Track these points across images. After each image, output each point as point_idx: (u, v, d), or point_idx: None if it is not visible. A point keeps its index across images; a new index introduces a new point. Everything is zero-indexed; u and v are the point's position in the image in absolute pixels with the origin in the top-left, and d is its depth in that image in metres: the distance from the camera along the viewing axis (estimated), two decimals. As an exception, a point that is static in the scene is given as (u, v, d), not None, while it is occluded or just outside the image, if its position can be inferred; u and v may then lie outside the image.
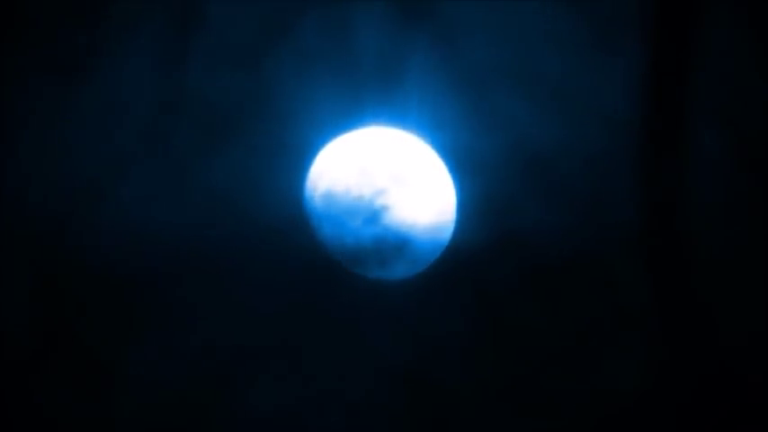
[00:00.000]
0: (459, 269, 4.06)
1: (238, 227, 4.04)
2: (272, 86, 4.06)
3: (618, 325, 4.08)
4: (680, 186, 4.09)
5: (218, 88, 4.08)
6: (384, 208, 3.92)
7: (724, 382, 4.03)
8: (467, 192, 4.04)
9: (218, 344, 4.05)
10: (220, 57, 4.08)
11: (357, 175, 3.95)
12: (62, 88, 4.08)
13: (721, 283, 4.06)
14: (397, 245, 3.95)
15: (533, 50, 4.07)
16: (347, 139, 4.01)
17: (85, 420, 4.04)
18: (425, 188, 3.97)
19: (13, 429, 3.99)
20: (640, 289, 4.08)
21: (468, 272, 4.06)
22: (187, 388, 4.05)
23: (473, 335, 4.07)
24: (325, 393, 4.06)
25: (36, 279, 4.06)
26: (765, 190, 4.06)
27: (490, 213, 4.06)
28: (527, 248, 4.07)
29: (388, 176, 3.94)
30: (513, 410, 4.08)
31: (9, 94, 4.07)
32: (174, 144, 4.08)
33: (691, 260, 4.07)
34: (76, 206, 4.08)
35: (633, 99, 4.08)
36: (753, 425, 4.04)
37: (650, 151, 4.09)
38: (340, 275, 4.02)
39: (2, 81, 4.07)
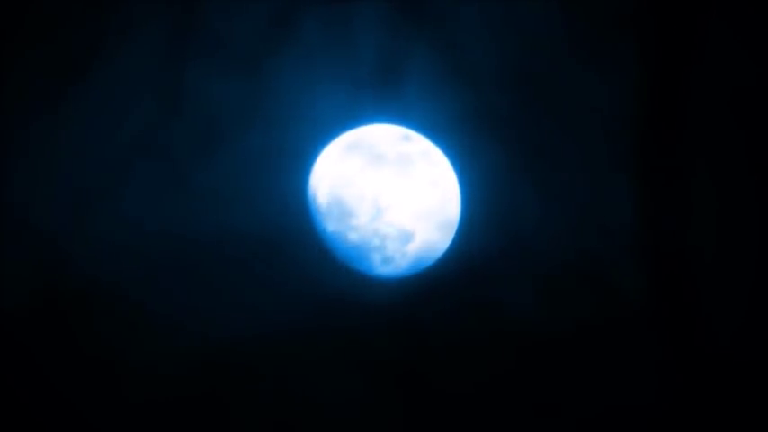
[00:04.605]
0: (460, 268, 4.06)
1: (241, 226, 4.04)
2: (273, 86, 4.07)
3: (618, 326, 4.08)
4: (679, 187, 4.10)
5: (219, 89, 4.08)
6: (386, 206, 3.92)
7: (723, 382, 4.04)
8: (469, 191, 4.04)
9: (219, 343, 4.04)
10: (221, 57, 4.08)
11: (359, 173, 3.95)
12: (62, 89, 4.07)
13: (721, 283, 4.06)
14: (399, 243, 3.94)
15: (533, 50, 4.08)
16: (349, 137, 4.01)
17: (86, 420, 4.02)
18: (428, 186, 3.97)
19: (14, 429, 3.97)
20: (640, 290, 4.08)
21: (470, 270, 4.06)
22: (187, 387, 4.03)
23: (473, 335, 4.07)
24: (325, 392, 4.05)
25: (35, 279, 4.04)
26: (765, 190, 4.07)
27: (491, 212, 4.07)
28: (528, 248, 4.07)
29: (391, 175, 3.94)
30: (512, 411, 4.07)
31: (8, 94, 4.06)
32: (174, 145, 4.07)
33: (691, 261, 4.08)
34: (76, 207, 4.07)
35: (633, 99, 4.09)
36: (752, 424, 4.04)
37: (650, 152, 4.10)
38: (342, 273, 4.02)
39: (1, 82, 4.06)
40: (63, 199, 4.07)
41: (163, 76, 4.08)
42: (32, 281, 4.03)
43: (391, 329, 4.06)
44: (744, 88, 4.08)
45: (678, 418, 4.05)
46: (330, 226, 3.95)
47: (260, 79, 4.06)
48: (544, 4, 4.08)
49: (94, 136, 4.08)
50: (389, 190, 3.93)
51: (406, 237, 3.95)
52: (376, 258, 3.96)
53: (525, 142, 4.08)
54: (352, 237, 3.94)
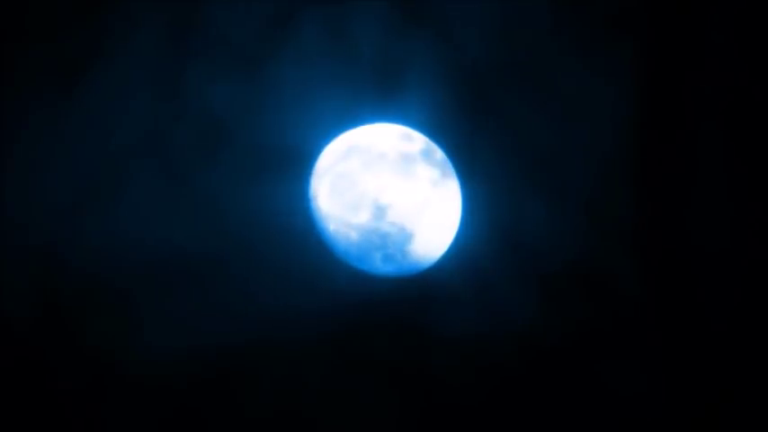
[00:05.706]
0: (460, 267, 4.06)
1: (242, 227, 4.04)
2: (273, 86, 4.07)
3: (618, 326, 4.08)
4: (679, 187, 4.10)
5: (219, 89, 4.08)
6: (387, 206, 3.92)
7: (723, 382, 4.04)
8: (469, 190, 4.04)
9: (220, 345, 4.04)
10: (221, 57, 4.09)
11: (360, 173, 3.95)
12: (60, 91, 4.07)
13: (721, 283, 4.07)
14: (400, 242, 3.95)
15: (533, 50, 4.09)
16: (349, 137, 4.01)
17: (86, 421, 4.01)
18: (428, 186, 3.98)
19: (13, 429, 3.97)
20: (640, 290, 4.08)
21: (470, 270, 4.07)
22: (187, 390, 4.03)
23: (473, 334, 4.07)
24: (326, 392, 4.05)
25: (35, 282, 4.03)
26: (765, 190, 4.08)
27: (491, 211, 4.07)
28: (527, 247, 4.08)
29: (391, 174, 3.95)
30: (512, 410, 4.07)
31: (8, 94, 4.06)
32: (174, 145, 4.07)
33: (691, 261, 4.08)
34: (75, 209, 4.06)
35: (634, 99, 4.10)
36: (751, 423, 4.04)
37: (650, 151, 4.11)
38: (343, 273, 4.02)
39: (1, 81, 4.06)
40: (61, 201, 4.07)
41: (163, 77, 4.08)
42: (31, 286, 4.03)
43: (392, 329, 4.06)
44: (743, 88, 4.09)
45: (678, 417, 4.05)
46: (331, 225, 3.96)
47: (260, 79, 4.07)
48: (544, 4, 4.08)
49: (93, 139, 4.07)
50: (390, 189, 3.93)
51: (407, 236, 3.95)
52: (376, 257, 3.96)
53: (526, 141, 4.09)
54: (353, 236, 3.94)
